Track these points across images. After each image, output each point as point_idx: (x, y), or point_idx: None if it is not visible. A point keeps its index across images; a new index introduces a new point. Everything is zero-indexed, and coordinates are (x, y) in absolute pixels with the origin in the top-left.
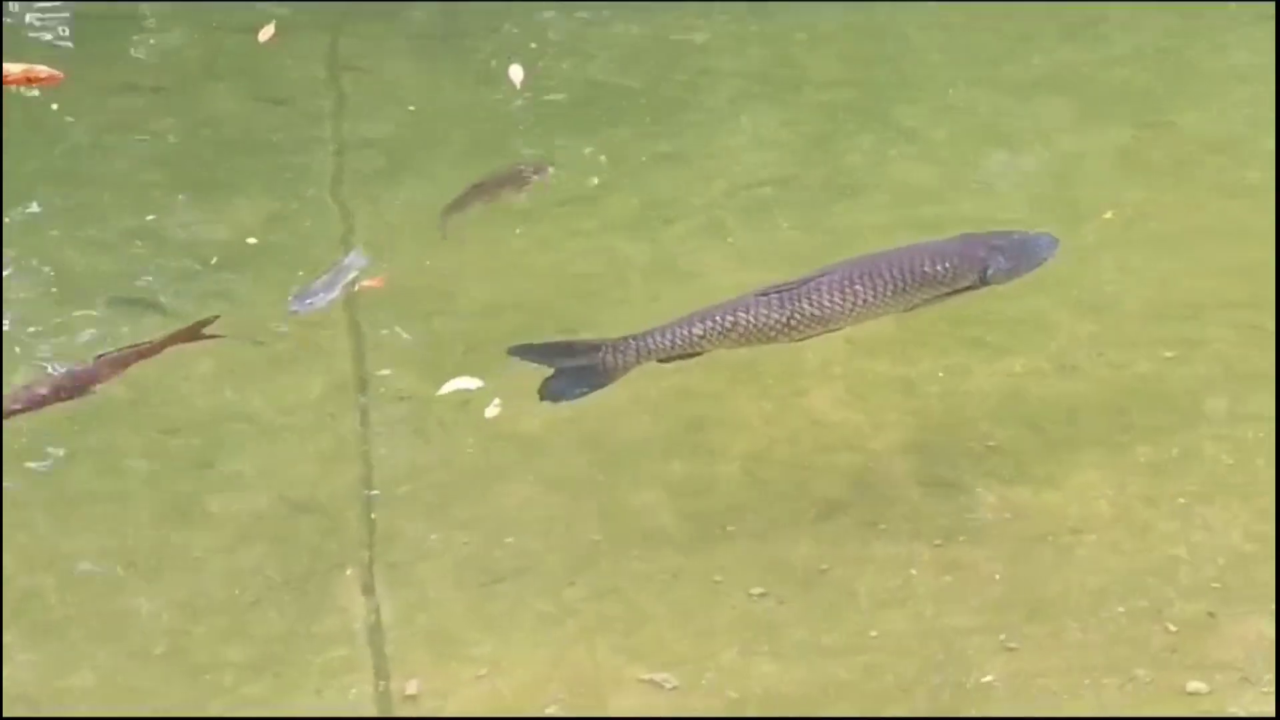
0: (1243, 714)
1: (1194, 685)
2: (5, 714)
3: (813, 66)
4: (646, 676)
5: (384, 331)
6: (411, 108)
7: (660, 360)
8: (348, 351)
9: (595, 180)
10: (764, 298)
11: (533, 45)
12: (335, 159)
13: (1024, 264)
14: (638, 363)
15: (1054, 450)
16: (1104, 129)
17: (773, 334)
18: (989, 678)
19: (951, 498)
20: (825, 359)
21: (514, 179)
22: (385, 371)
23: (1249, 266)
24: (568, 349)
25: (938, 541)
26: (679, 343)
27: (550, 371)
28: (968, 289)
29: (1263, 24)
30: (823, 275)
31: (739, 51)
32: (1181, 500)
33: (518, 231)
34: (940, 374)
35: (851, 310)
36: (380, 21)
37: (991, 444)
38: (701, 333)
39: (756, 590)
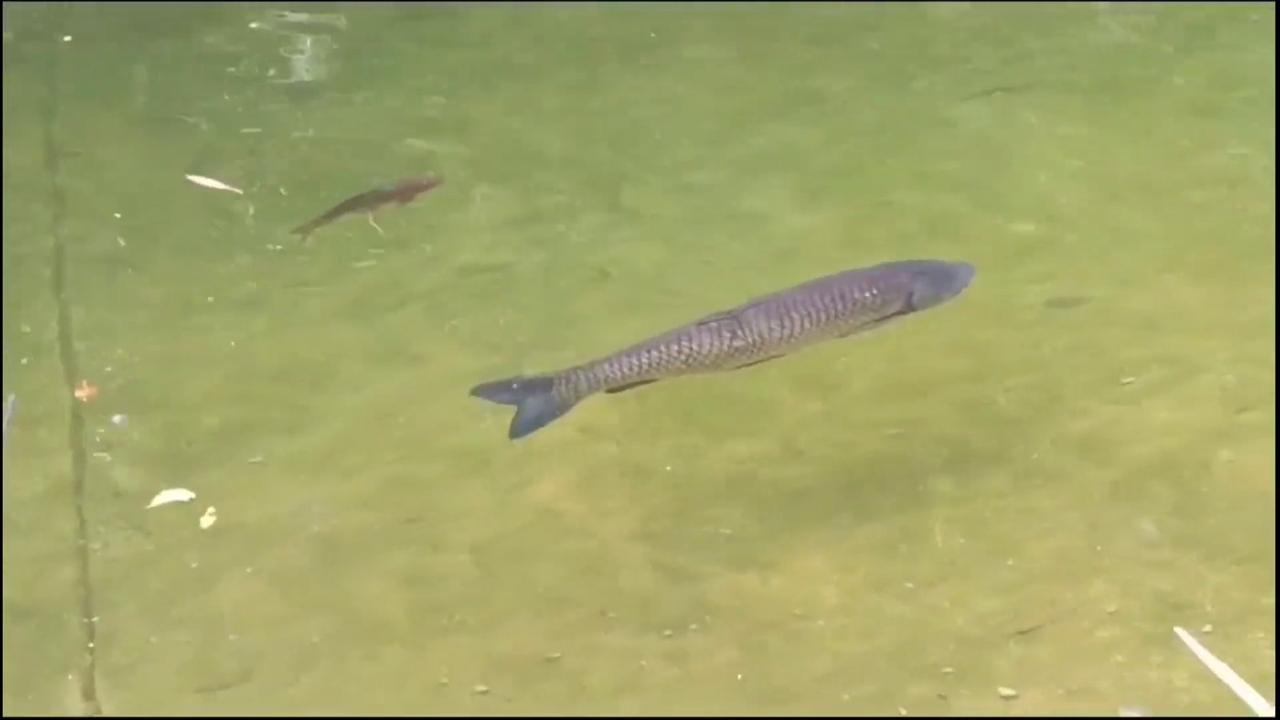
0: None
1: None
2: (5, 714)
3: (540, 145)
4: None
5: (101, 430)
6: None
7: (610, 390)
8: (67, 450)
9: (316, 267)
10: (705, 327)
11: (252, 130)
12: (53, 254)
13: (946, 290)
14: (590, 392)
15: (781, 534)
16: (825, 207)
17: (714, 362)
18: None
19: (682, 585)
20: (553, 445)
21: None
22: (104, 470)
23: (975, 343)
24: (526, 385)
25: (668, 631)
26: (627, 372)
27: (513, 410)
28: (896, 314)
29: (977, 101)
30: (760, 304)
31: (462, 134)
32: (909, 584)
33: (230, 320)
34: (669, 459)
35: (788, 337)
36: (96, 104)
37: (721, 530)
38: (648, 362)
39: (481, 688)
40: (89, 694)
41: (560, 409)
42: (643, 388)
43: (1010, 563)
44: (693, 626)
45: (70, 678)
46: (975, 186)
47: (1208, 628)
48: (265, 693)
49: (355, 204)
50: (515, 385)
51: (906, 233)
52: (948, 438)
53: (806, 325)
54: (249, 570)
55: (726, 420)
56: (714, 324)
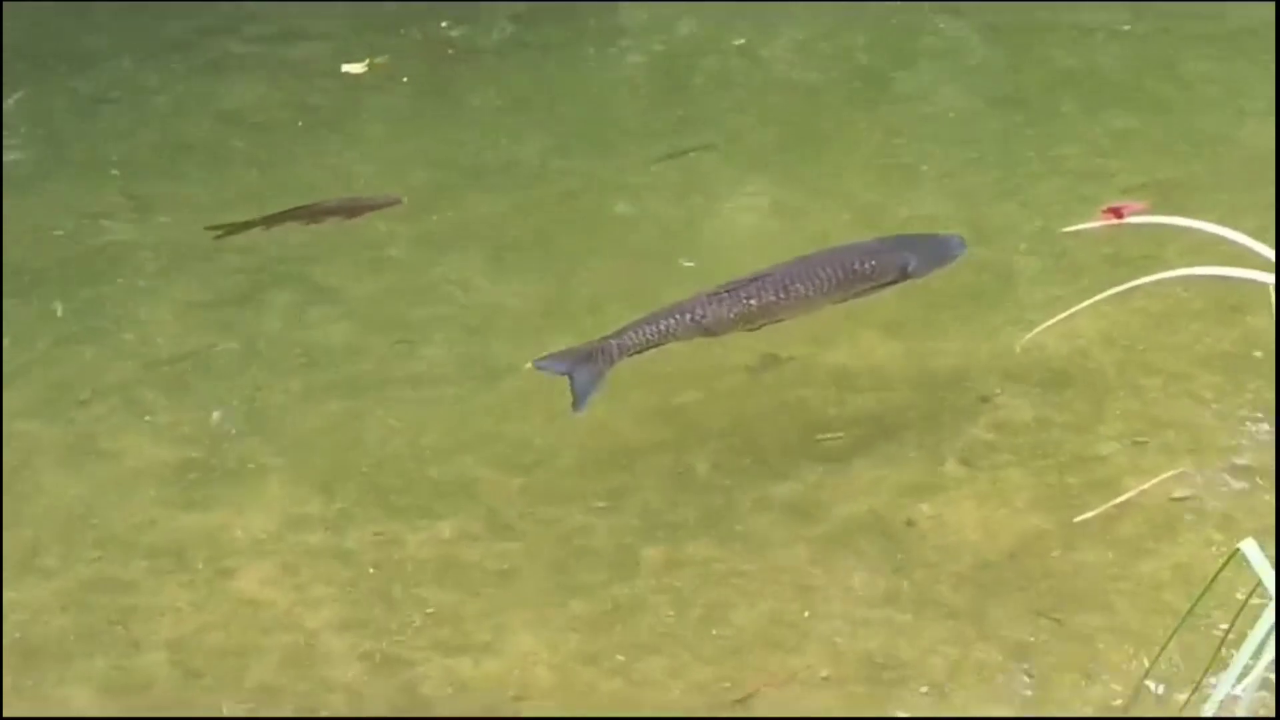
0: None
1: None
2: (5, 714)
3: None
4: None
5: None
6: None
7: (632, 354)
8: None
9: None
10: (716, 296)
11: None
12: None
13: (938, 260)
14: (620, 358)
15: (491, 615)
16: (518, 279)
17: (724, 327)
18: None
19: (394, 674)
20: (255, 538)
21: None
22: None
23: (676, 408)
24: (576, 357)
25: None
26: (649, 338)
27: (567, 381)
28: (891, 283)
29: (667, 172)
30: (766, 275)
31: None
32: (620, 658)
33: None
34: (372, 544)
35: (792, 304)
36: None
37: (430, 612)
38: (666, 329)
39: None
40: None
41: (600, 376)
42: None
43: (721, 631)
44: None
45: None
46: (665, 254)
47: (924, 688)
48: None
49: (298, 214)
50: (567, 358)
51: (600, 301)
52: (653, 507)
53: (809, 294)
54: None
55: (426, 501)
56: (724, 294)
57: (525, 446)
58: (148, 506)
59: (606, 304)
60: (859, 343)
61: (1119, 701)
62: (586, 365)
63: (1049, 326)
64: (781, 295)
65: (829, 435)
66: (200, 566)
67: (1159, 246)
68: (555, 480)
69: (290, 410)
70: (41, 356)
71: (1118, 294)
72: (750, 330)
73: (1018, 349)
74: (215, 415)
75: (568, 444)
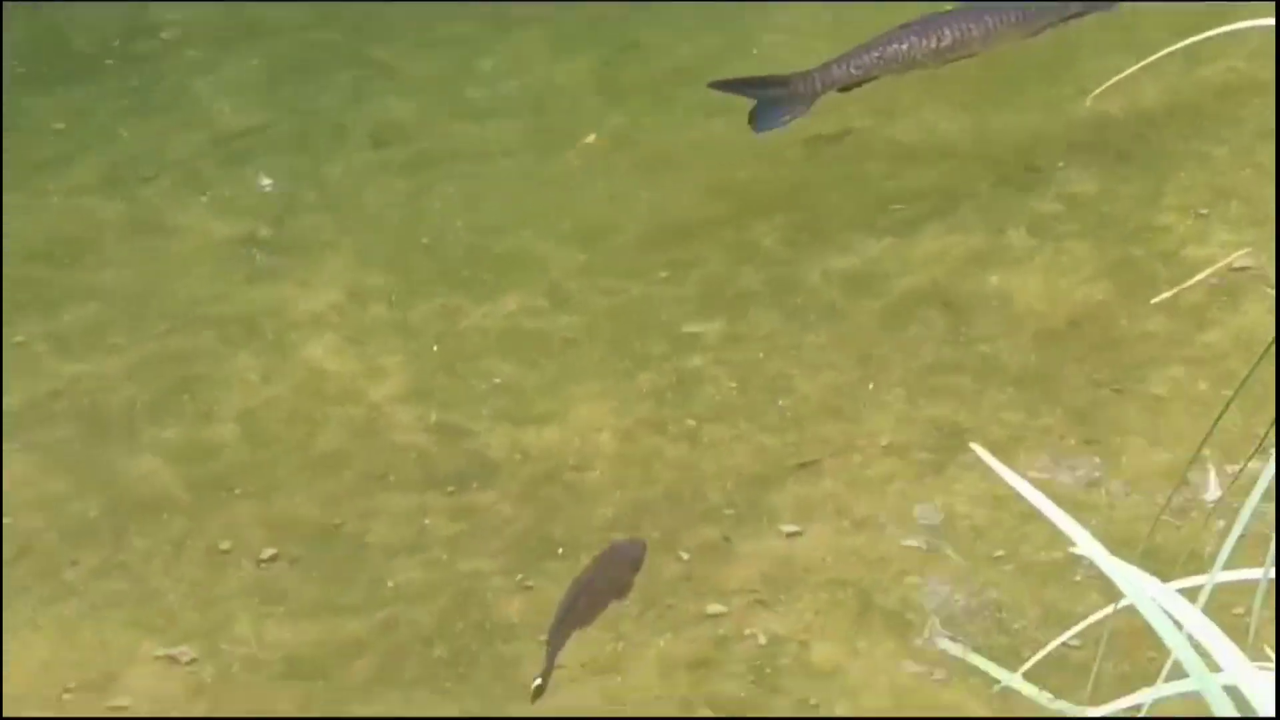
0: (764, 638)
1: (713, 608)
2: (5, 714)
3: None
4: (162, 652)
5: None
6: None
7: (841, 89)
8: None
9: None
10: (913, 30)
11: None
12: None
13: None
14: (824, 91)
15: (555, 385)
16: (575, 56)
17: (923, 60)
18: (510, 618)
19: (459, 442)
20: (317, 310)
21: None
22: None
23: (733, 185)
24: (762, 83)
25: (450, 488)
26: (854, 72)
27: (752, 103)
28: (1075, 16)
29: None
30: (960, 12)
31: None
32: (688, 423)
33: None
34: (436, 316)
35: (984, 37)
36: None
37: (495, 382)
38: (869, 62)
39: (266, 554)
40: None
41: (799, 106)
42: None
43: (784, 401)
44: (473, 484)
45: None
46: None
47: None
48: (42, 570)
49: None
50: (754, 81)
51: (660, 78)
52: (715, 280)
53: (999, 27)
54: (16, 448)
55: (488, 275)
56: (920, 27)
57: (587, 221)
58: (213, 281)
59: (666, 83)
60: (922, 116)
61: (1178, 467)
62: (780, 90)
63: (1112, 90)
64: (975, 28)
65: (892, 207)
66: (267, 339)
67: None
68: (617, 253)
69: (353, 186)
70: (101, 134)
71: (1183, 66)
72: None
73: (1087, 103)
74: (277, 190)
75: (629, 218)
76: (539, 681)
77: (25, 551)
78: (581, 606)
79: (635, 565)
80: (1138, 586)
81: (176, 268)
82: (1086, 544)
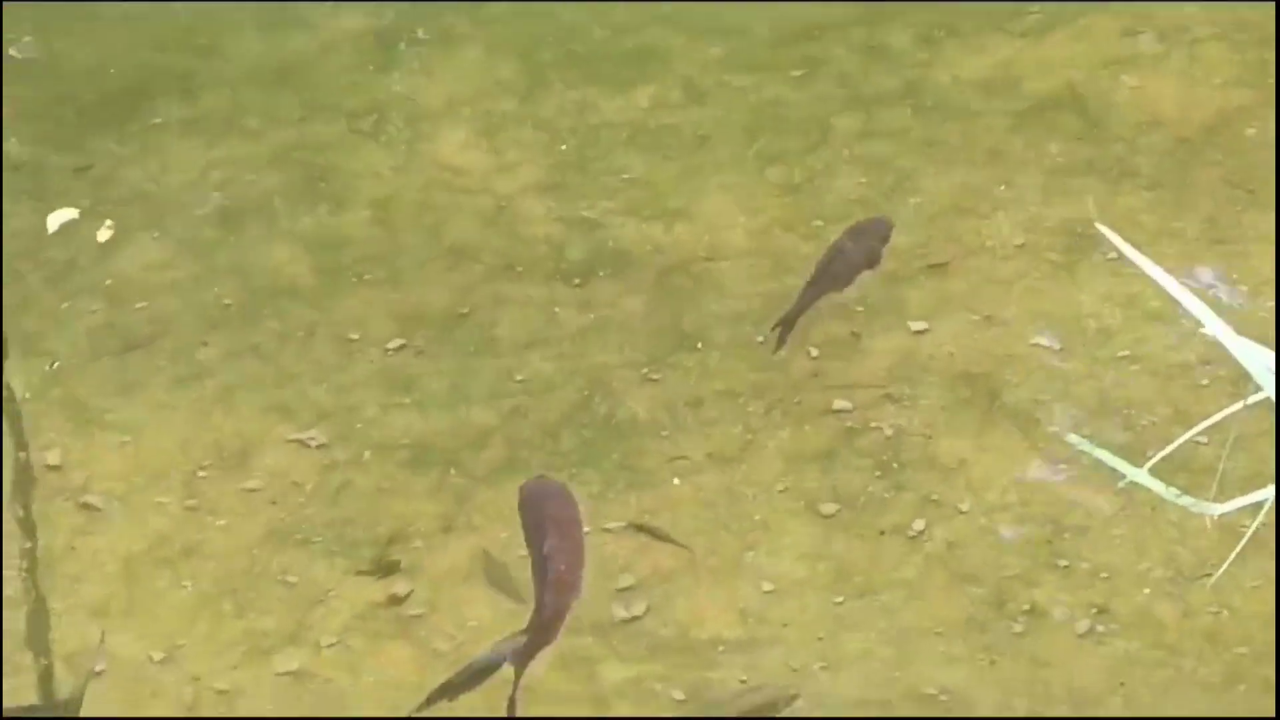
0: (890, 431)
1: (840, 404)
2: (5, 715)
3: None
4: (293, 436)
5: None
6: None
7: None
8: None
9: None
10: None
11: None
12: None
13: None
14: None
15: (687, 179)
16: None
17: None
18: (636, 410)
19: (588, 235)
20: (452, 102)
21: None
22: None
23: None
24: None
25: (576, 280)
26: None
27: None
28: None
29: None
30: None
31: None
32: (818, 222)
33: None
34: (568, 110)
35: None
36: None
37: (626, 177)
38: None
39: (395, 343)
40: None
41: None
42: None
43: (915, 199)
44: (601, 274)
45: None
46: None
47: (1112, 254)
48: (177, 352)
49: None
50: None
51: None
52: (848, 78)
53: None
54: (155, 236)
55: (621, 70)
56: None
57: (718, 18)
58: (347, 71)
59: None
60: None
61: None
62: None
63: None
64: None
65: (1027, 10)
66: (399, 129)
67: None
68: (750, 50)
69: None
70: None
71: None
72: None
73: None
74: None
75: (761, 16)
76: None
77: (159, 336)
78: (836, 270)
79: (885, 237)
80: (1266, 366)
81: (311, 59)
82: (1215, 325)
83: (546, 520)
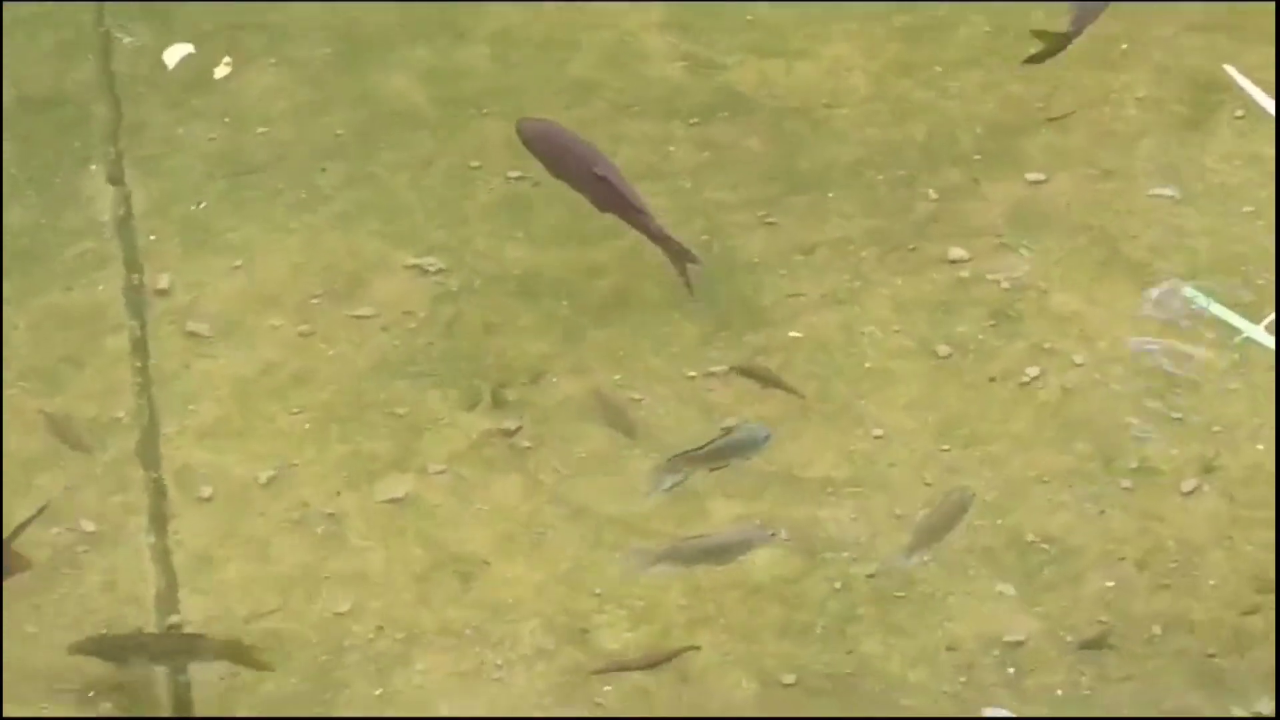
0: (1005, 283)
1: (955, 253)
2: (5, 714)
3: None
4: (411, 261)
5: None
6: None
7: None
8: None
9: None
10: None
11: None
12: None
13: None
14: None
15: (809, 22)
16: None
17: None
18: (751, 254)
19: (708, 74)
20: None
21: None
22: None
23: None
24: None
25: (695, 120)
26: None
27: None
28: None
29: None
30: None
31: None
32: (938, 69)
33: None
34: None
35: None
36: None
37: (748, 18)
38: None
39: (513, 174)
40: (116, 179)
41: None
42: None
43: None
44: (721, 114)
45: (94, 167)
46: None
47: (1240, 112)
48: (294, 177)
49: None
50: None
51: None
52: None
53: None
54: (272, 62)
55: None
56: None
57: None
58: None
59: None
60: None
61: None
62: None
63: None
64: None
65: None
66: None
67: None
68: None
69: None
70: None
71: None
72: None
73: None
74: None
75: None
76: None
77: (276, 161)
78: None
79: None
80: None
81: None
82: None
83: (570, 148)
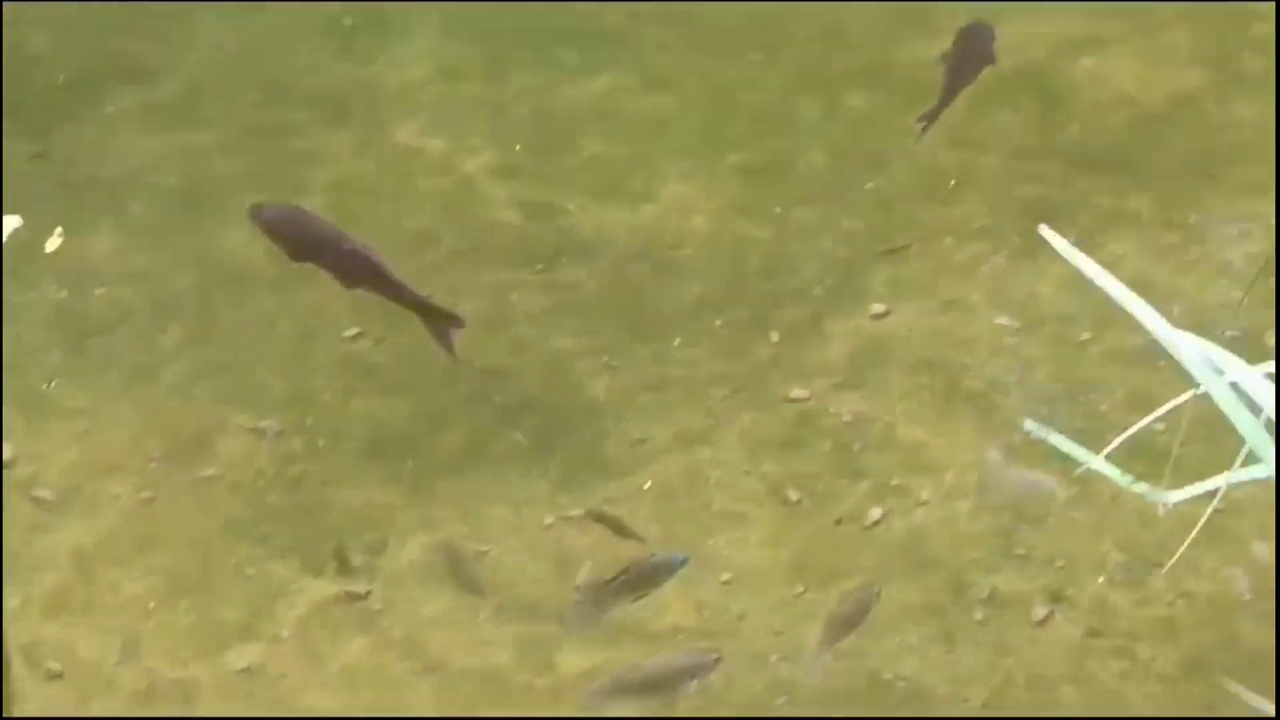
0: (848, 416)
1: (796, 392)
2: (5, 714)
3: None
4: (250, 425)
5: None
6: None
7: None
8: None
9: None
10: None
11: None
12: None
13: None
14: None
15: (647, 164)
16: None
17: None
18: (596, 396)
19: (549, 219)
20: (411, 86)
21: None
22: None
23: None
24: None
25: (539, 266)
26: None
27: None
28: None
29: None
30: None
31: None
32: (776, 208)
33: None
34: (526, 94)
35: None
36: None
37: (586, 157)
38: None
39: (351, 331)
40: None
41: None
42: None
43: (873, 184)
44: (563, 260)
45: None
46: None
47: (1072, 237)
48: (136, 340)
49: None
50: None
51: None
52: (810, 61)
53: None
54: (108, 222)
55: (582, 54)
56: None
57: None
58: (306, 55)
59: None
60: None
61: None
62: None
63: None
64: None
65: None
66: (357, 114)
67: None
68: (712, 33)
69: None
70: None
71: None
72: None
73: None
74: None
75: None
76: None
77: (118, 323)
78: (967, 63)
79: (992, 35)
80: (1212, 369)
81: (267, 43)
82: (1161, 330)
83: (313, 228)
